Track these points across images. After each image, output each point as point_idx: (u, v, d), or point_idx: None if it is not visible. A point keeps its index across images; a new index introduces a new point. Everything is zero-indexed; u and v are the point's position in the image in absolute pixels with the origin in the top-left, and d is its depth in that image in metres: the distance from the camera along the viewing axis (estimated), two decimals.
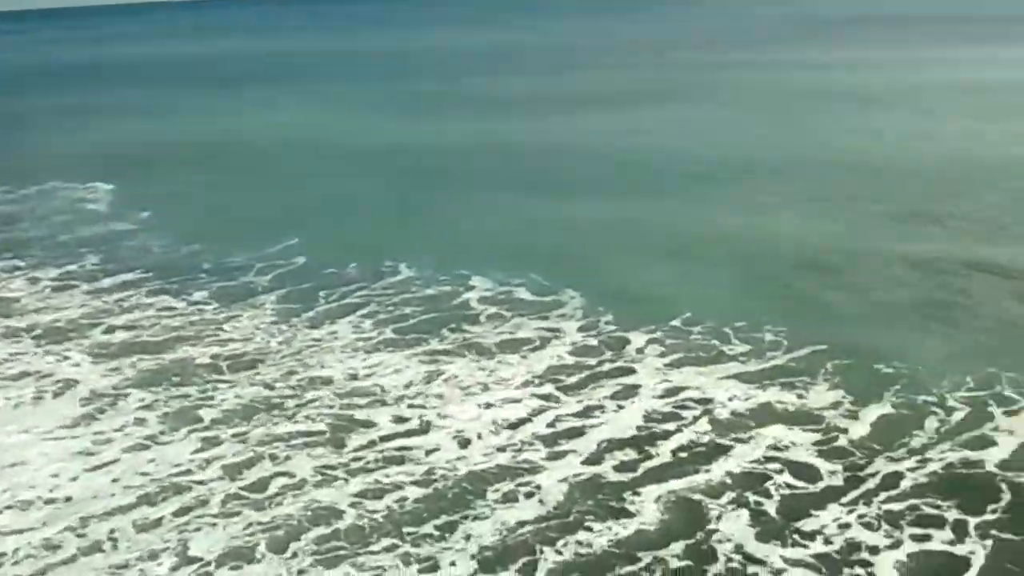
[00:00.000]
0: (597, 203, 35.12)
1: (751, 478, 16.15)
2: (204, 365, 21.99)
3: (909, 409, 18.41)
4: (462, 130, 52.27)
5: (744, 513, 15.13)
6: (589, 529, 14.97)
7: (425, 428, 18.51)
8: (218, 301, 26.39)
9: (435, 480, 16.56)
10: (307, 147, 50.35)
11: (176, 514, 15.89)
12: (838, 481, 15.95)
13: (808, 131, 47.32)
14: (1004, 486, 15.62)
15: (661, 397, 19.29)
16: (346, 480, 16.69)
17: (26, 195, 41.97)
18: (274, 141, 52.53)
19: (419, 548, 14.70)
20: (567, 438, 17.85)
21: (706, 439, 17.56)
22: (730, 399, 19.06)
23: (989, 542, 14.14)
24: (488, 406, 19.32)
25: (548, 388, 20.01)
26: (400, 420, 18.86)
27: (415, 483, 16.48)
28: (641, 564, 14.05)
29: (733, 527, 14.77)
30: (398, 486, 16.41)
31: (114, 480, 17.09)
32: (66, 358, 22.81)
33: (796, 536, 14.48)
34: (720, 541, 14.47)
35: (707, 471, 16.43)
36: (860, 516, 14.90)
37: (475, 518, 15.40)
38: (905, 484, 15.76)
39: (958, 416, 18.04)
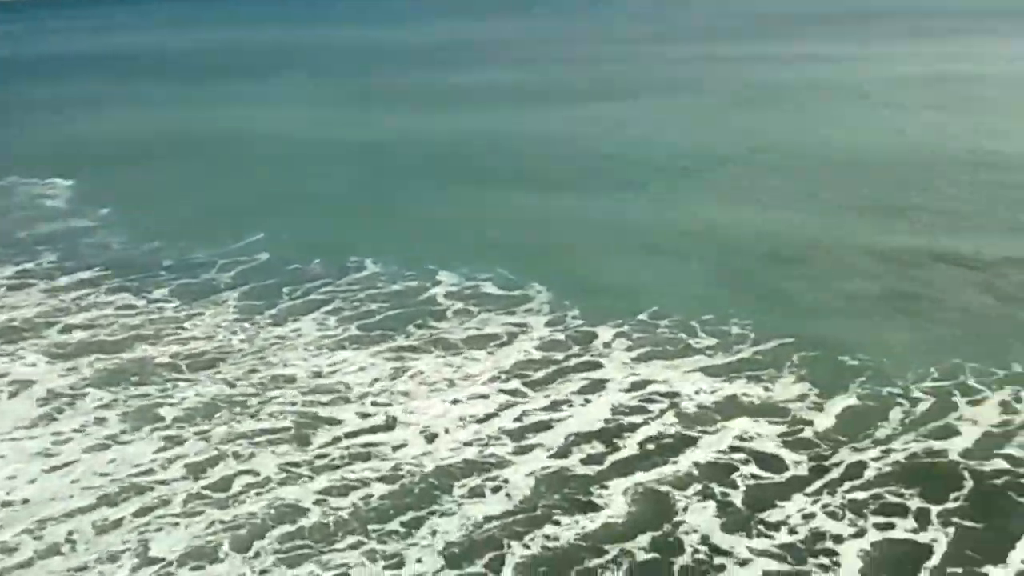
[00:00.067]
0: (563, 197, 35.28)
1: (717, 470, 16.37)
2: (164, 364, 21.87)
3: (874, 400, 18.72)
4: (428, 124, 52.25)
5: (710, 504, 15.34)
6: (556, 523, 15.10)
7: (391, 425, 18.56)
8: (179, 299, 26.22)
9: (401, 476, 16.61)
10: (271, 142, 50.07)
11: (137, 514, 15.83)
12: (803, 472, 16.21)
13: (773, 125, 47.79)
14: (967, 474, 15.95)
15: (628, 391, 19.47)
16: (311, 477, 16.71)
17: None
18: (238, 136, 52.19)
19: (385, 545, 14.75)
20: (534, 432, 17.98)
21: (673, 432, 17.76)
22: (697, 392, 19.27)
23: (951, 530, 14.46)
24: (455, 402, 19.39)
25: (515, 383, 20.11)
26: (366, 417, 18.89)
27: (381, 479, 16.53)
28: (608, 557, 14.20)
29: (699, 518, 14.97)
30: (364, 483, 16.45)
31: (73, 481, 16.98)
32: (21, 358, 22.58)
33: (761, 527, 14.71)
34: (687, 532, 14.66)
35: (674, 463, 16.63)
36: (824, 506, 15.16)
37: (442, 514, 15.48)
38: (869, 474, 16.05)
39: (923, 407, 18.37)
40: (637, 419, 18.26)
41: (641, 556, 14.18)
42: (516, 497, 15.79)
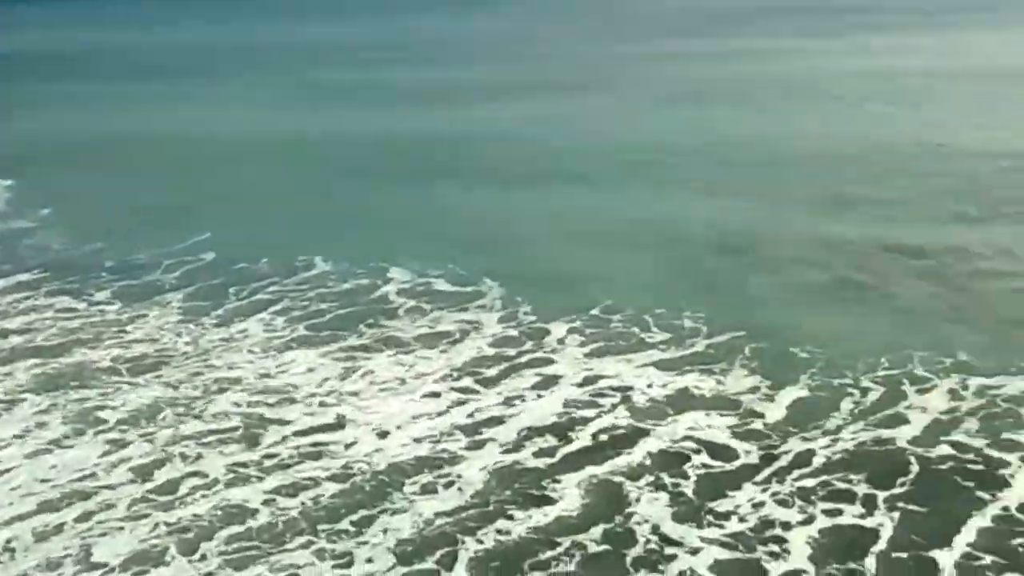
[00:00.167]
0: (514, 193, 35.61)
1: (669, 462, 16.72)
2: (105, 368, 21.71)
3: (825, 391, 19.21)
4: (375, 121, 52.30)
5: (662, 495, 15.68)
6: (510, 517, 15.33)
7: (342, 424, 18.66)
8: (121, 301, 26.04)
9: (352, 475, 16.74)
10: (217, 140, 49.73)
11: (79, 520, 15.76)
12: (753, 461, 16.62)
13: (723, 119, 48.63)
14: (914, 460, 16.47)
15: (581, 385, 19.77)
16: (260, 478, 16.76)
17: None
18: (183, 135, 51.76)
19: (335, 544, 14.86)
20: (487, 428, 18.21)
21: (625, 425, 18.09)
22: (649, 386, 19.62)
23: (897, 515, 14.94)
24: (407, 400, 19.54)
25: (468, 381, 20.32)
26: (315, 417, 18.97)
27: (331, 478, 16.64)
28: (561, 549, 14.46)
29: (651, 509, 15.30)
30: (314, 482, 16.55)
31: (12, 488, 16.85)
32: None
33: (712, 516, 15.08)
34: (639, 523, 14.98)
35: (626, 456, 16.95)
36: (774, 494, 15.57)
37: (393, 511, 15.63)
38: (818, 462, 16.50)
39: (872, 396, 18.90)
40: (590, 413, 18.57)
41: (593, 548, 14.46)
42: (469, 492, 16.00)
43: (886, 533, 14.47)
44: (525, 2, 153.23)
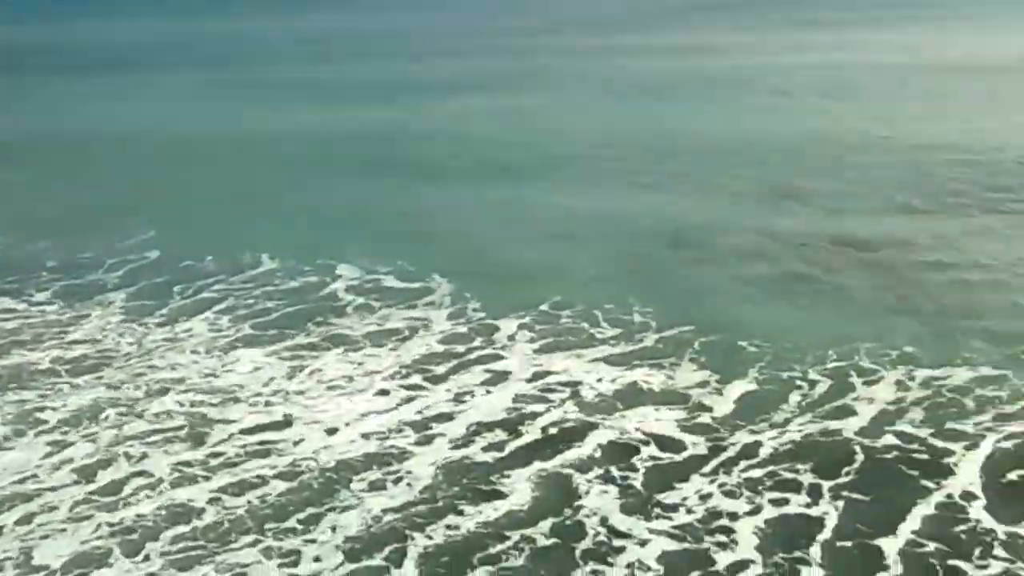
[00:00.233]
0: (462, 188, 35.76)
1: (618, 455, 16.96)
2: (44, 370, 21.45)
3: (773, 384, 19.59)
4: (320, 118, 52.16)
5: (611, 489, 15.91)
6: (460, 512, 15.45)
7: (289, 422, 18.62)
8: (63, 301, 25.73)
9: (300, 472, 16.75)
10: (161, 138, 49.22)
11: (20, 522, 15.60)
12: (701, 453, 16.91)
13: (670, 114, 49.29)
14: (859, 450, 16.89)
15: (530, 381, 19.96)
16: (206, 477, 16.70)
17: None
18: (127, 131, 51.15)
19: (282, 542, 14.87)
20: (436, 423, 18.33)
21: (574, 419, 18.30)
22: (599, 381, 19.86)
23: (842, 503, 15.32)
24: (355, 398, 19.57)
25: (417, 378, 20.40)
26: (262, 416, 18.90)
27: (279, 476, 16.64)
28: (510, 543, 14.62)
29: (600, 502, 15.52)
30: (261, 480, 16.54)
31: None
32: None
33: (660, 509, 15.34)
34: (588, 516, 15.19)
35: (575, 450, 17.16)
36: (721, 486, 15.89)
37: (342, 509, 15.67)
38: (765, 453, 16.85)
39: (820, 388, 19.32)
40: (539, 408, 18.75)
41: (543, 541, 14.64)
42: (418, 488, 16.10)
43: (831, 522, 14.84)
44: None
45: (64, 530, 15.33)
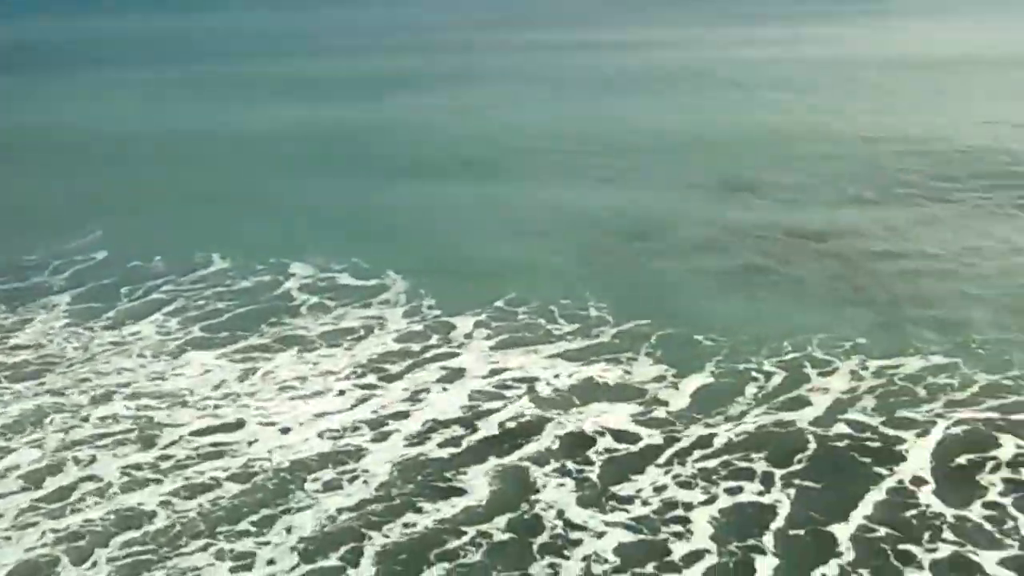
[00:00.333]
0: (416, 184, 35.84)
1: (574, 450, 17.19)
2: None
3: (729, 376, 19.95)
4: (271, 114, 51.93)
5: (567, 482, 16.14)
6: (417, 509, 15.58)
7: (241, 424, 18.59)
8: (4, 304, 25.41)
9: (253, 474, 16.76)
10: (108, 135, 48.64)
11: None
12: (657, 445, 17.19)
13: (627, 109, 49.79)
14: (812, 439, 17.28)
15: (486, 378, 20.13)
16: (157, 480, 16.64)
17: None
18: (71, 129, 50.52)
19: (234, 544, 14.88)
20: (392, 421, 18.43)
21: (531, 415, 18.50)
22: (555, 376, 20.07)
23: (794, 491, 15.69)
24: (310, 399, 19.59)
25: (372, 377, 20.47)
26: (213, 419, 18.84)
27: (231, 478, 16.63)
28: (467, 539, 14.77)
29: (557, 496, 15.74)
30: (213, 482, 16.52)
31: None
32: None
33: (615, 501, 15.59)
34: (544, 510, 15.40)
35: (531, 445, 17.37)
36: (676, 476, 16.19)
37: (296, 509, 15.72)
38: (720, 445, 17.18)
39: (775, 380, 19.70)
40: (495, 404, 18.93)
41: (500, 536, 14.81)
42: (374, 486, 16.21)
43: (784, 510, 15.19)
44: None
45: (8, 538, 15.21)
